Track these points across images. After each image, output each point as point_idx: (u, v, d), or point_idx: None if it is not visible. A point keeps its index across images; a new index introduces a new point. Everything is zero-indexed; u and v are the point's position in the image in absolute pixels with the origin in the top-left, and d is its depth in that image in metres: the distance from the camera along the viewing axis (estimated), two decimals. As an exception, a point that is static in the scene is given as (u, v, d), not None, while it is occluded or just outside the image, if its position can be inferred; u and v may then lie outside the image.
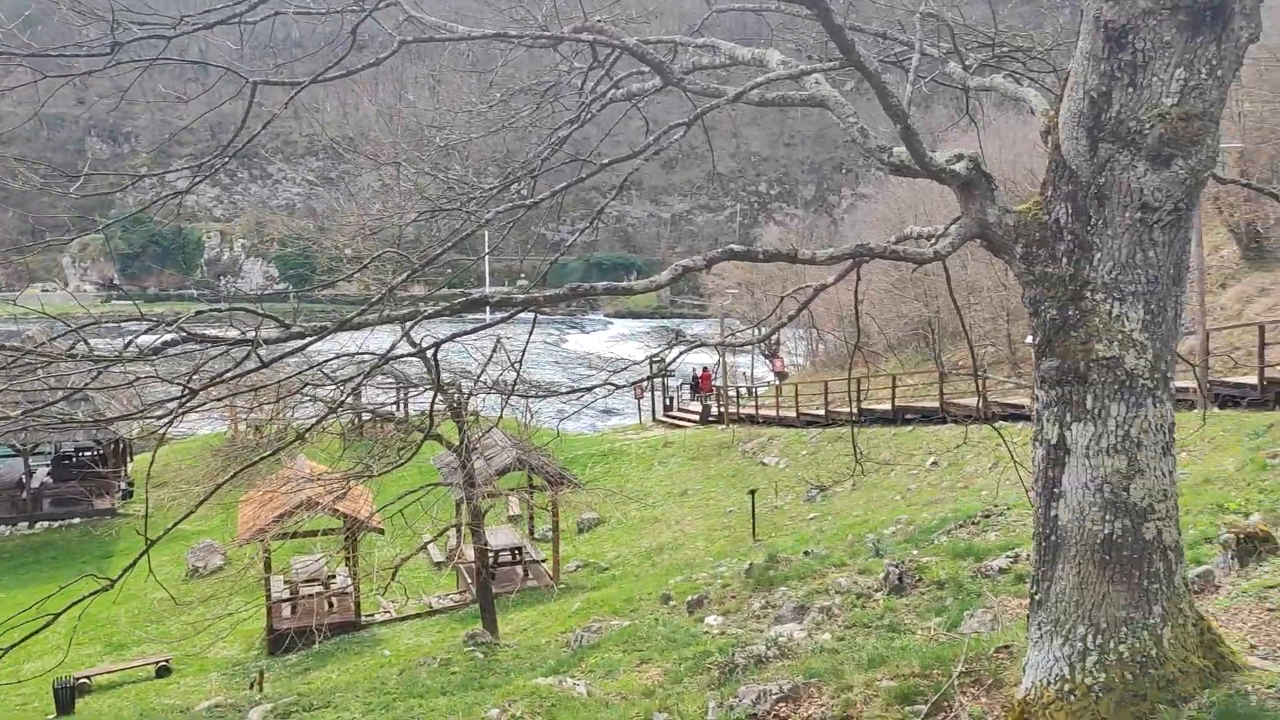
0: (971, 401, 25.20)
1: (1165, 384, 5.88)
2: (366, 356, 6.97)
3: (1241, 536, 9.62)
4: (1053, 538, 6.01)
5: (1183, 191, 5.63)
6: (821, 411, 33.90)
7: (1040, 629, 6.08)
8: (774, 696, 7.58)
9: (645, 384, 41.46)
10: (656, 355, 8.94)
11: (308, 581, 20.71)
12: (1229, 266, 29.15)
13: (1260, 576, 8.96)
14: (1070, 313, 5.86)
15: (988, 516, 14.77)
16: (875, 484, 24.76)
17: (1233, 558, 9.54)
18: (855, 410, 28.59)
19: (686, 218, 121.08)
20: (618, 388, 8.72)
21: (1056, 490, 5.95)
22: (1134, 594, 5.83)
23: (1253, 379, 20.12)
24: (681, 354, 8.81)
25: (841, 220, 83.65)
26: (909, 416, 30.25)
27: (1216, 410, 19.94)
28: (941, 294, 36.29)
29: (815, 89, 6.63)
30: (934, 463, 24.09)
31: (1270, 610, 7.96)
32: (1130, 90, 5.55)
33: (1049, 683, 5.93)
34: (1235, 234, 28.60)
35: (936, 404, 29.33)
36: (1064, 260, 5.88)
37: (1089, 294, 5.81)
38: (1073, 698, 5.78)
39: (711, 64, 7.50)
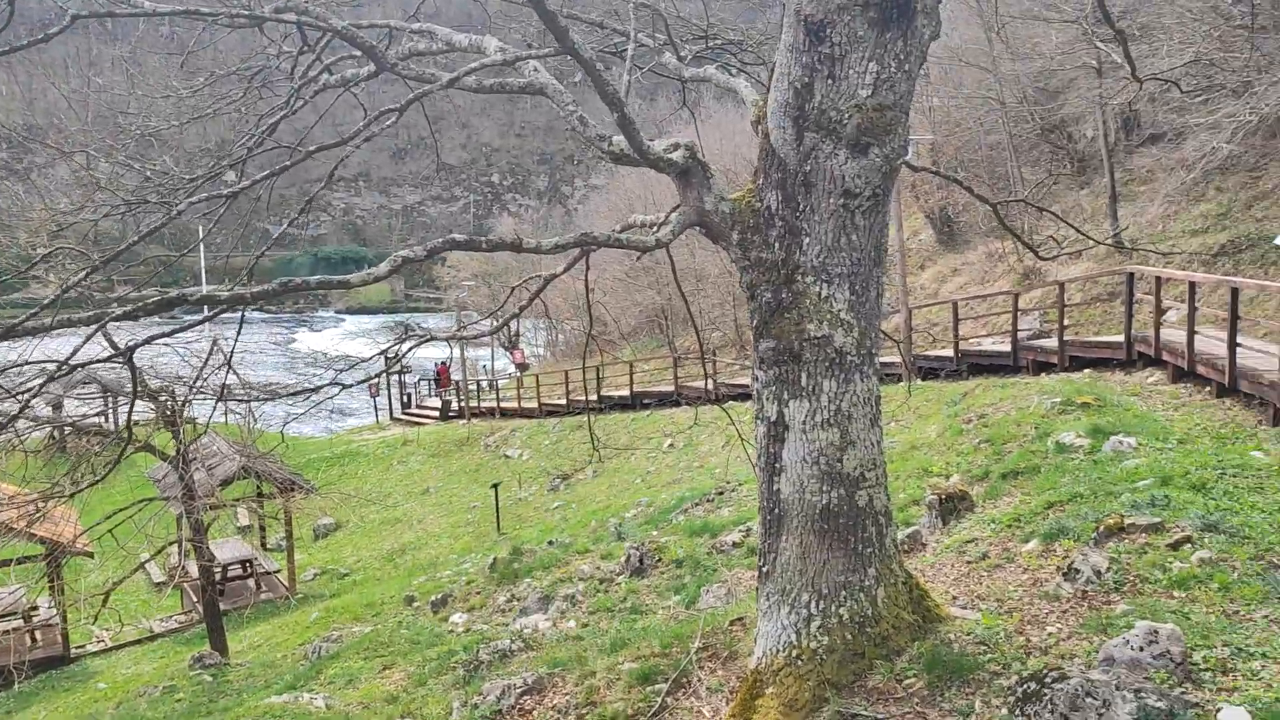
0: (702, 384, 26.18)
1: (871, 360, 6.25)
2: (51, 365, 6.28)
3: (943, 497, 10.47)
4: (776, 511, 6.26)
5: (880, 178, 6.00)
6: (563, 401, 34.20)
7: (769, 599, 6.33)
8: (518, 690, 7.51)
9: (379, 382, 40.32)
10: (384, 351, 8.59)
11: (3, 616, 18.71)
12: (927, 249, 31.78)
13: (960, 532, 9.78)
14: (784, 295, 6.11)
15: (721, 493, 15.34)
16: (617, 469, 25.22)
17: (936, 517, 10.37)
18: (591, 398, 28.99)
19: (419, 209, 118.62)
20: (345, 387, 8.34)
21: (778, 465, 6.21)
22: (851, 559, 6.17)
23: (950, 351, 21.94)
24: (411, 348, 8.55)
25: (575, 210, 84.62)
26: (646, 401, 31.05)
27: (920, 382, 21.67)
28: (672, 281, 37.49)
29: (534, 76, 6.58)
30: (671, 444, 24.83)
31: (969, 563, 8.69)
32: (830, 82, 5.84)
33: (778, 650, 6.18)
34: (931, 219, 31.18)
35: (672, 388, 30.27)
36: (776, 245, 6.12)
37: (800, 277, 6.08)
38: (800, 662, 6.06)
39: (429, 50, 7.30)
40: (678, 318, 36.59)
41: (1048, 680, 4.90)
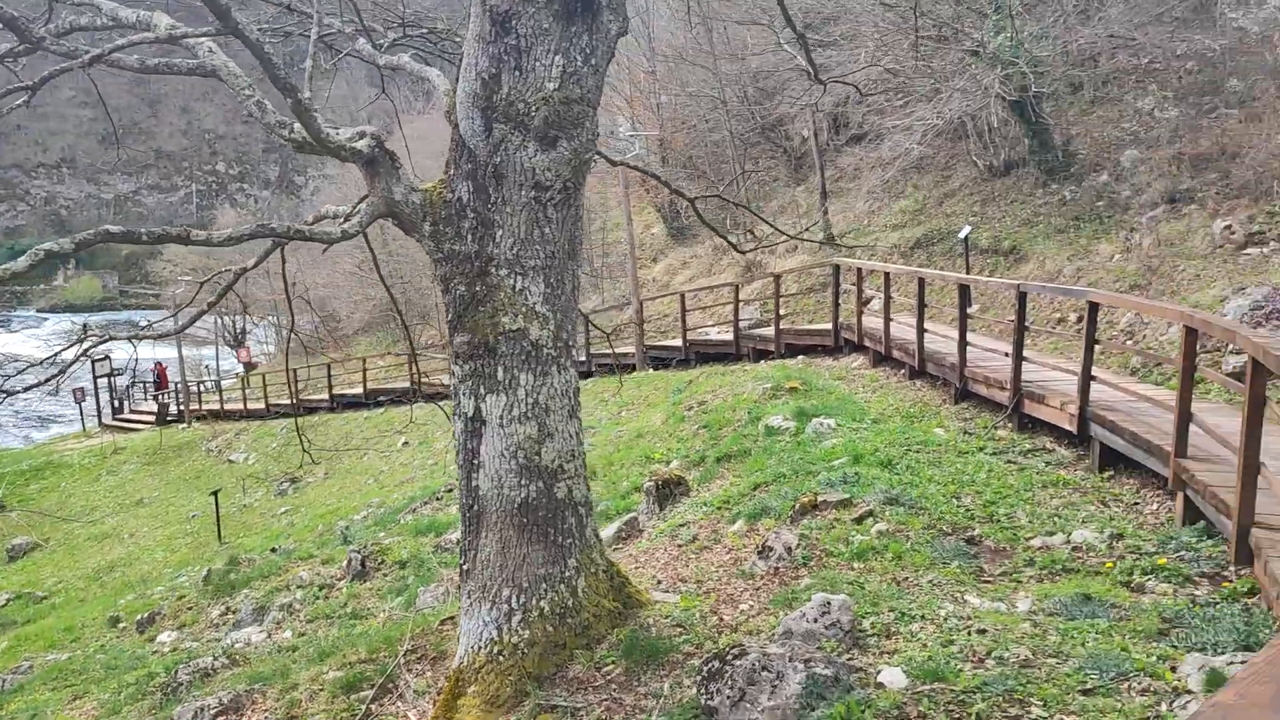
0: (445, 380, 25.74)
1: (568, 352, 6.28)
2: None
3: (660, 483, 10.76)
4: (475, 507, 6.19)
5: (570, 171, 6.02)
6: (292, 401, 32.70)
7: (470, 597, 6.25)
8: (213, 711, 7.06)
9: (84, 386, 37.11)
10: (58, 354, 7.85)
11: None
12: (659, 243, 32.72)
13: (674, 516, 10.09)
14: (478, 288, 6.04)
15: (450, 490, 15.11)
16: (350, 470, 24.40)
17: (654, 502, 10.64)
18: (320, 397, 27.88)
19: (134, 199, 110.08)
20: (8, 394, 7.55)
21: (476, 461, 6.14)
22: (551, 551, 6.19)
23: (679, 341, 22.63)
24: (87, 349, 7.84)
25: (308, 201, 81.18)
26: (381, 399, 30.22)
27: (652, 371, 22.24)
28: (408, 275, 36.68)
29: (208, 58, 6.17)
30: (405, 442, 24.28)
31: (680, 546, 8.97)
32: (517, 74, 5.80)
33: (480, 647, 6.12)
34: (662, 213, 32.05)
35: (409, 384, 29.61)
36: (469, 237, 6.04)
37: (494, 270, 6.03)
38: (501, 658, 6.02)
39: (92, 25, 6.69)
40: (414, 311, 35.86)
41: (729, 658, 5.09)
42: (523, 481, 6.10)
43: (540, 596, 6.15)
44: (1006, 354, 11.25)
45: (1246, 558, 6.33)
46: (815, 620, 5.50)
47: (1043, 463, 9.85)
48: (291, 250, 8.41)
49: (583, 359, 25.45)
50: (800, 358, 18.32)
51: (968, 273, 17.65)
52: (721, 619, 6.45)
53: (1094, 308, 9.49)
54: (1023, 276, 17.33)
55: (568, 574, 6.24)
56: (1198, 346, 11.21)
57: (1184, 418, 7.74)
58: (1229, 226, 14.16)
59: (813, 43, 21.71)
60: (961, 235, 17.88)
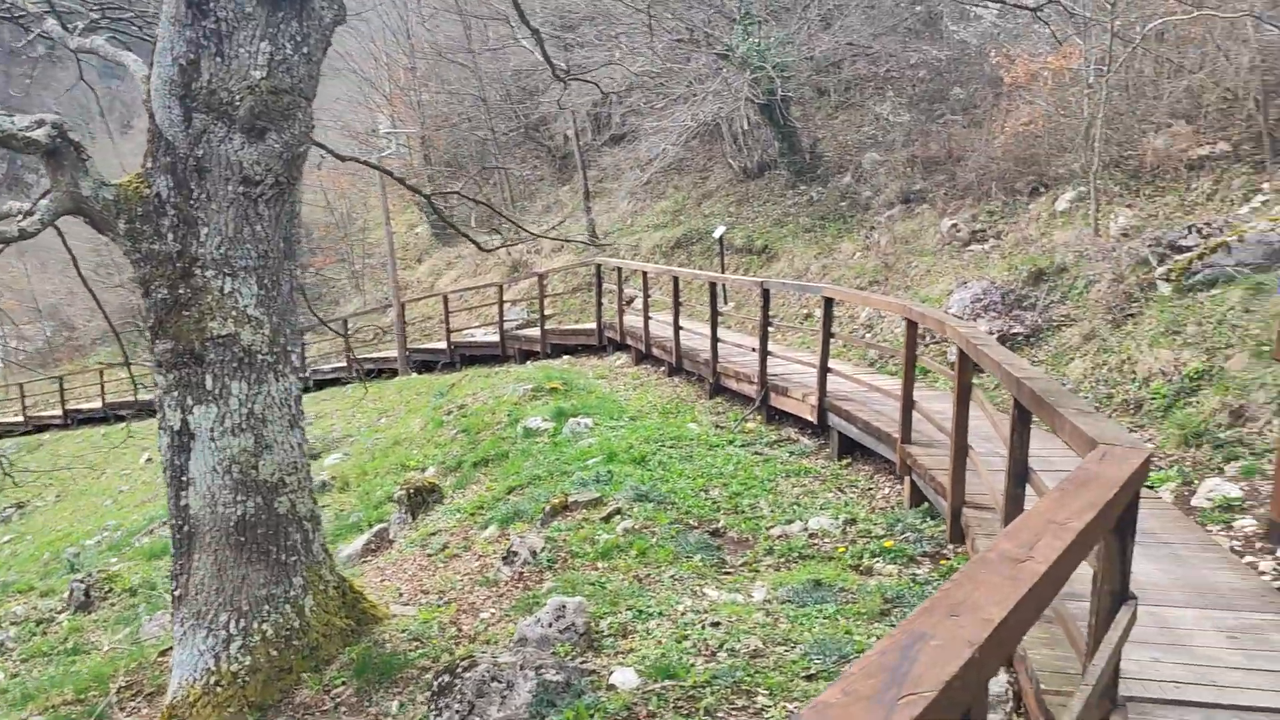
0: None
1: (286, 358, 5.90)
2: None
3: (412, 490, 10.41)
4: (186, 528, 5.73)
5: (281, 165, 5.65)
6: (19, 418, 29.90)
7: (184, 625, 5.77)
8: (-115, 775, 6.23)
9: None
10: None
11: None
12: (423, 243, 32.00)
13: (427, 525, 9.78)
14: (181, 291, 5.57)
15: (193, 508, 14.13)
16: (85, 490, 22.51)
17: (406, 511, 10.29)
18: (52, 413, 25.57)
19: None
20: None
21: (185, 478, 5.67)
22: (274, 570, 5.80)
23: (444, 344, 22.14)
24: None
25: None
26: (123, 413, 28.06)
27: (416, 375, 21.67)
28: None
29: None
30: (148, 459, 22.63)
31: (430, 555, 8.69)
32: (219, 60, 5.39)
33: (195, 679, 5.66)
34: (425, 213, 31.32)
35: (152, 396, 27.61)
36: (170, 236, 5.56)
37: (199, 271, 5.58)
38: (219, 689, 5.58)
39: None
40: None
41: (459, 671, 4.90)
42: (239, 498, 5.68)
43: (263, 619, 5.75)
44: (754, 349, 11.58)
45: (959, 536, 6.71)
46: (550, 625, 5.39)
47: (787, 453, 10.18)
48: (15, 252, 7.53)
49: (342, 365, 24.56)
50: (566, 358, 18.31)
51: (723, 271, 18.15)
52: (461, 630, 6.24)
53: (829, 303, 9.89)
54: (774, 274, 17.99)
55: (293, 593, 5.86)
56: (927, 338, 11.95)
57: (908, 406, 8.16)
58: (955, 225, 15.16)
59: (569, 42, 21.81)
60: (716, 235, 18.36)
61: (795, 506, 8.38)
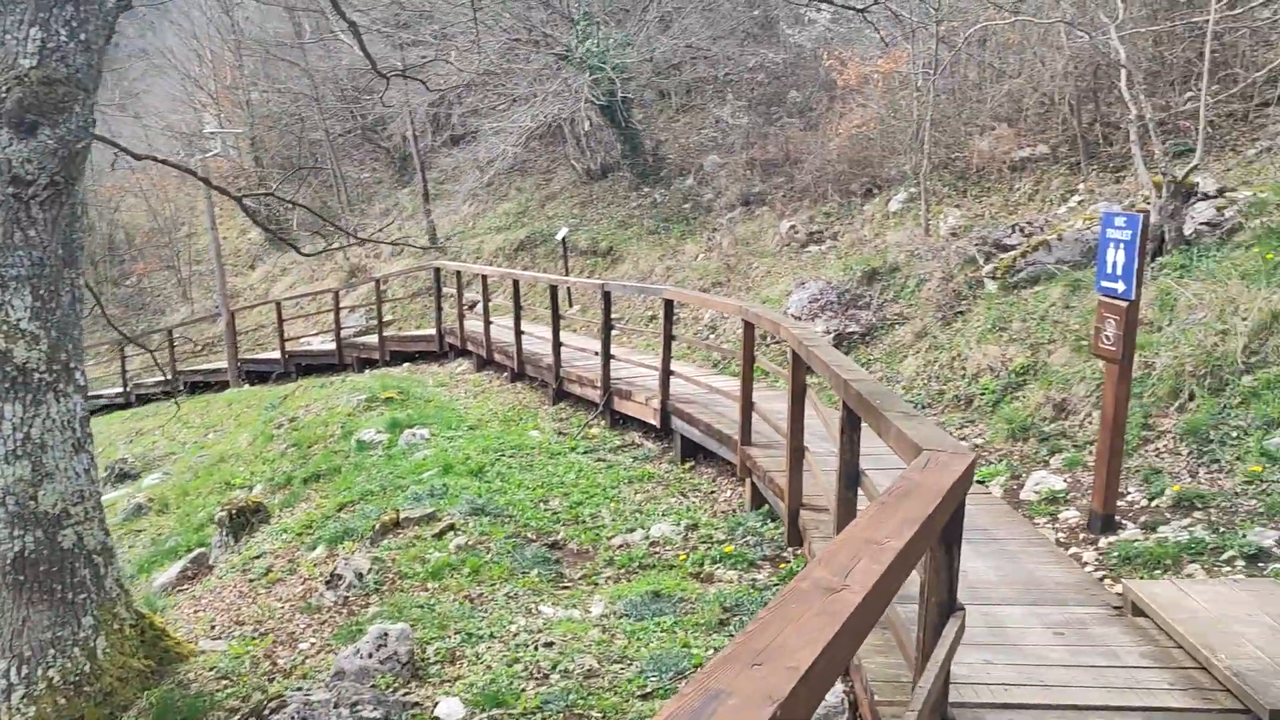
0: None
1: (69, 375, 5.35)
2: None
3: (234, 511, 9.77)
4: (-47, 569, 5.11)
5: (57, 163, 5.11)
6: None
7: (-47, 678, 5.15)
8: None
9: None
10: None
11: None
12: (256, 248, 30.63)
13: (250, 547, 9.19)
14: (-60, 304, 4.97)
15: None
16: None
17: (228, 534, 9.65)
18: None
19: None
20: None
21: (-50, 514, 5.06)
22: (60, 610, 5.24)
23: (278, 353, 21.17)
24: None
25: None
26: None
27: (248, 387, 20.64)
28: None
29: None
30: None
31: (250, 581, 8.14)
32: (-21, 45, 4.82)
33: (-33, 738, 5.06)
34: (255, 217, 30.00)
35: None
36: (-74, 242, 4.95)
37: (-38, 281, 4.99)
38: (-4, 747, 5.01)
39: None
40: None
41: (266, 712, 4.50)
42: (16, 532, 5.11)
43: (48, 665, 5.19)
44: (597, 353, 11.37)
45: (798, 539, 6.64)
46: (371, 655, 5.03)
47: (631, 458, 10.01)
48: None
49: (168, 378, 23.23)
50: (406, 365, 17.73)
51: (567, 274, 17.91)
52: (276, 664, 5.80)
53: (669, 305, 9.77)
54: (619, 276, 17.86)
55: (83, 635, 5.31)
56: (768, 339, 12.00)
57: (747, 407, 8.09)
58: (793, 226, 15.33)
59: (403, 41, 21.19)
60: (559, 237, 18.12)
61: (637, 514, 8.20)
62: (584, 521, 8.09)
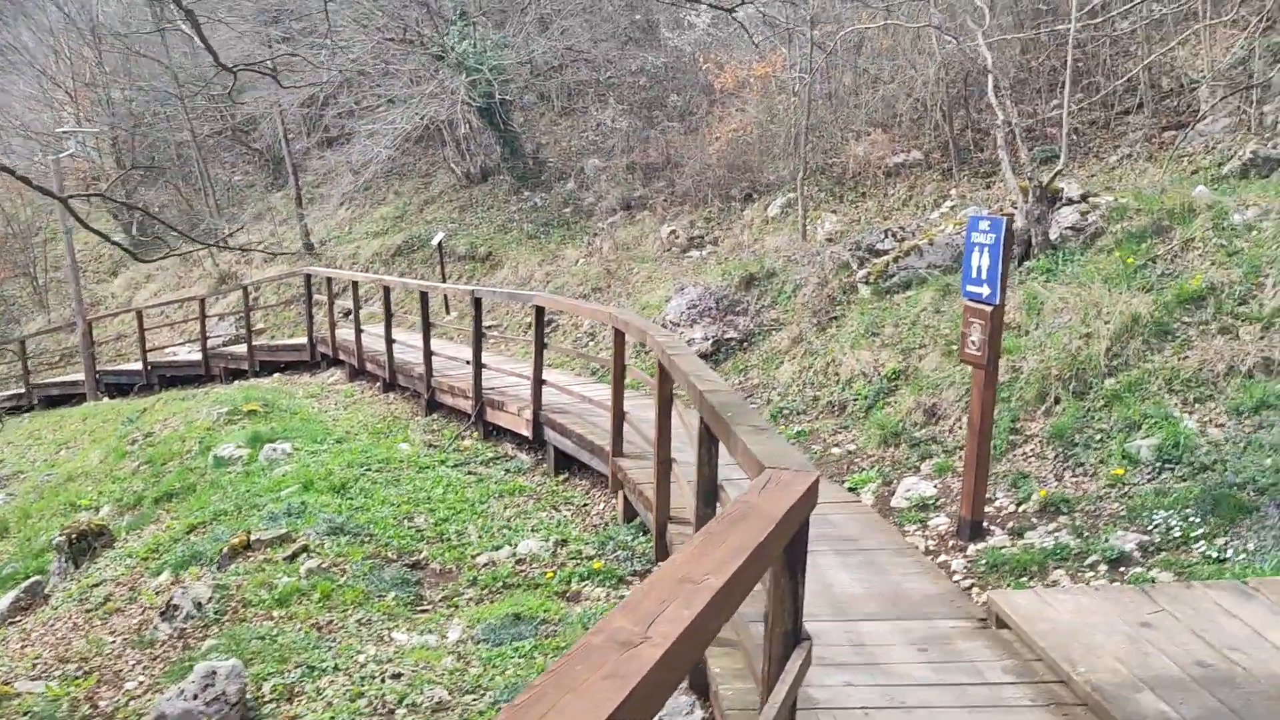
0: None
1: None
2: None
3: (74, 536, 9.11)
4: None
5: None
6: None
7: None
8: None
9: None
10: None
11: None
12: (118, 254, 29.14)
13: (91, 574, 8.55)
14: None
15: None
16: None
17: (67, 560, 8.98)
18: None
19: None
20: None
21: None
22: None
23: (140, 364, 20.11)
24: None
25: None
26: None
27: (108, 400, 19.57)
28: None
29: None
30: None
31: (87, 611, 7.54)
32: None
33: None
34: (121, 222, 28.61)
35: None
36: None
37: None
38: None
39: None
40: None
41: (69, 768, 4.04)
42: None
43: None
44: (469, 362, 10.99)
45: (665, 553, 6.41)
46: (196, 697, 4.61)
47: (503, 471, 9.68)
48: None
49: (21, 391, 21.94)
50: (277, 376, 17.01)
51: (444, 280, 17.45)
52: (97, 706, 5.31)
53: (540, 311, 9.47)
54: (498, 281, 17.47)
55: None
56: (644, 346, 11.78)
57: (618, 417, 7.84)
58: (674, 231, 15.20)
59: (274, 38, 20.43)
60: (434, 242, 17.65)
61: (505, 530, 7.88)
62: (449, 539, 7.74)
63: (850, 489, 7.59)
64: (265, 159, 27.37)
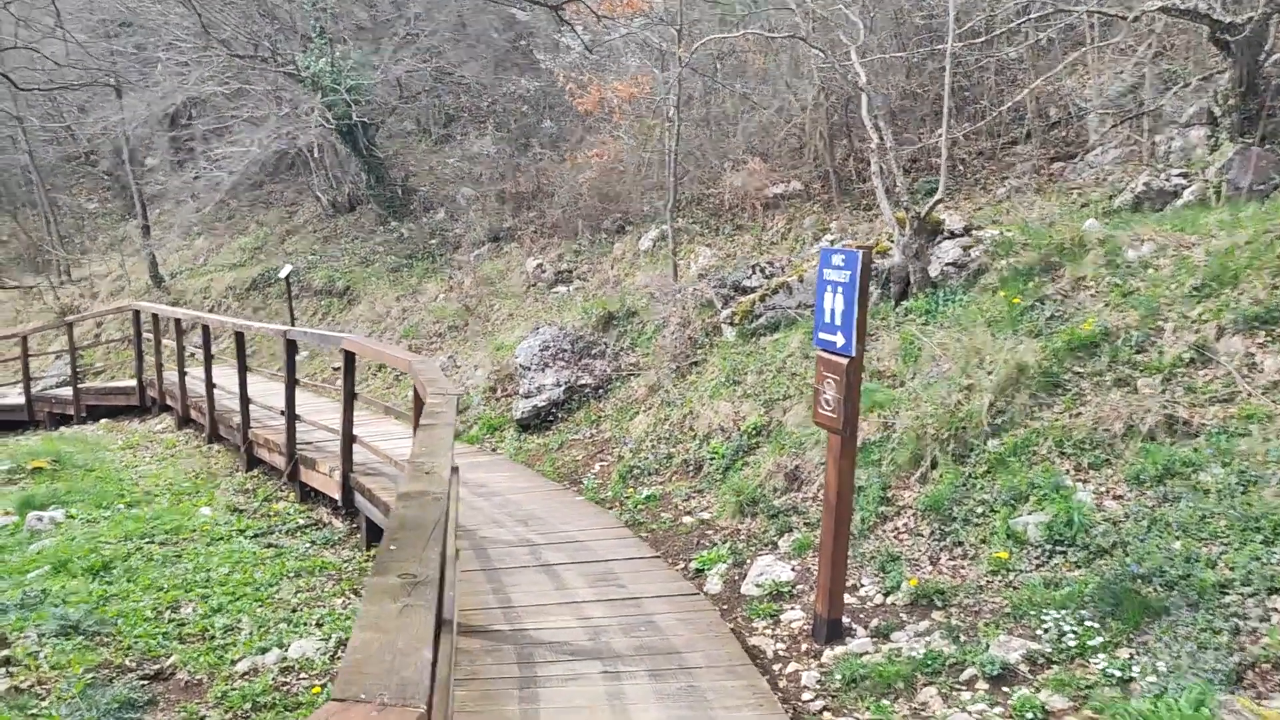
0: None
1: None
2: None
3: None
4: None
5: None
6: None
7: None
8: None
9: None
10: None
11: None
12: None
13: None
14: None
15: None
16: None
17: None
18: None
19: None
20: None
21: None
22: None
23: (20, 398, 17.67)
24: None
25: None
26: None
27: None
28: None
29: None
30: None
31: None
32: None
33: None
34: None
35: None
36: None
37: None
38: None
39: None
40: None
41: None
42: None
43: None
44: (283, 412, 9.57)
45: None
46: None
47: (309, 542, 8.29)
48: None
49: None
50: (105, 421, 15.25)
51: (291, 318, 15.94)
52: None
53: (349, 356, 8.11)
54: (354, 318, 16.04)
55: None
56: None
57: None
58: (540, 265, 13.99)
59: (116, 51, 18.76)
60: (282, 275, 16.15)
61: (285, 623, 6.51)
62: (213, 636, 6.34)
63: (698, 569, 6.40)
64: (122, 185, 25.44)
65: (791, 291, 8.75)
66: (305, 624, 6.44)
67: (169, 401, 13.79)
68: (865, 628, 5.23)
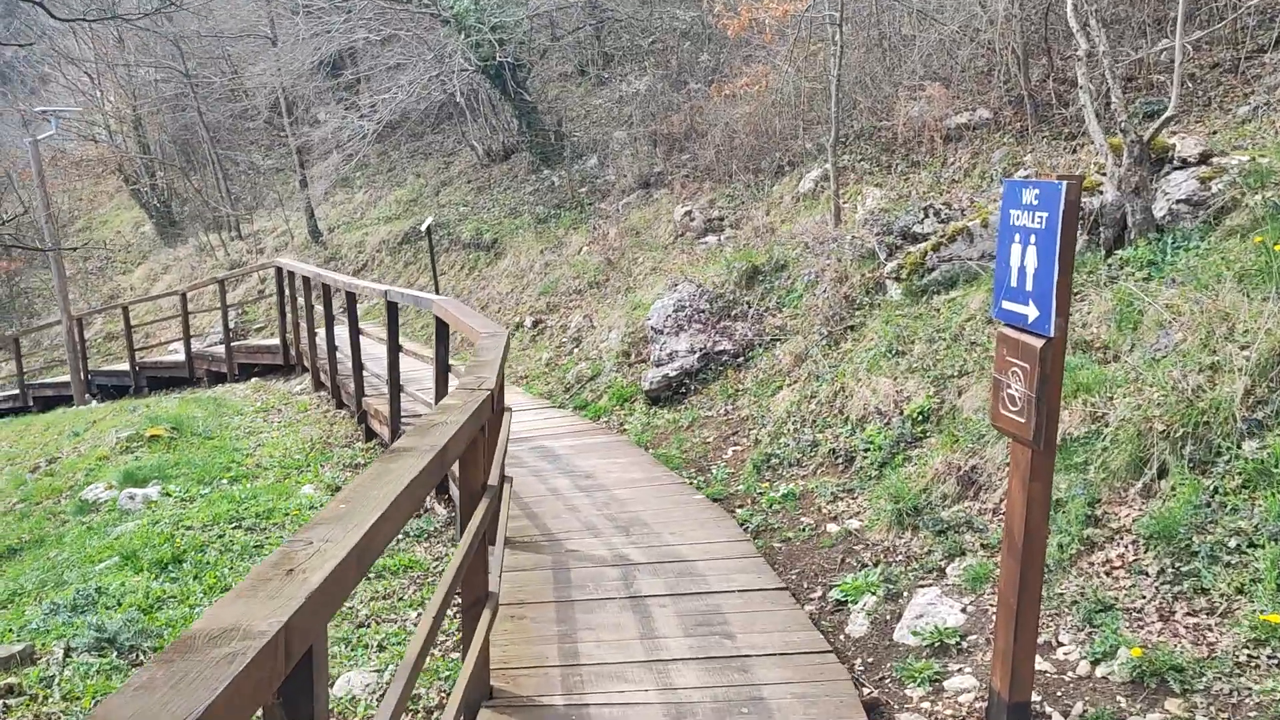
0: None
1: None
2: None
3: None
4: None
5: None
6: None
7: None
8: None
9: None
10: None
11: None
12: (147, 243, 27.65)
13: None
14: None
15: None
16: None
17: None
18: None
19: None
20: None
21: None
22: None
23: (128, 365, 18.22)
24: None
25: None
26: None
27: (97, 404, 17.81)
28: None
29: None
30: None
31: None
32: None
33: None
34: (149, 209, 27.13)
35: None
36: None
37: None
38: None
39: None
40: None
41: None
42: None
43: None
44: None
45: None
46: None
47: (402, 532, 7.30)
48: None
49: (14, 392, 20.36)
50: (254, 380, 14.99)
51: (434, 275, 15.17)
52: None
53: (441, 324, 7.00)
54: (499, 273, 15.14)
55: None
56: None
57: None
58: (689, 212, 12.61)
59: (273, 6, 18.37)
60: (423, 228, 15.38)
61: (344, 643, 5.49)
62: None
63: (839, 601, 4.99)
64: (284, 141, 25.51)
65: (973, 239, 7.07)
66: (365, 646, 5.41)
67: (306, 363, 13.27)
68: (1065, 716, 3.72)
